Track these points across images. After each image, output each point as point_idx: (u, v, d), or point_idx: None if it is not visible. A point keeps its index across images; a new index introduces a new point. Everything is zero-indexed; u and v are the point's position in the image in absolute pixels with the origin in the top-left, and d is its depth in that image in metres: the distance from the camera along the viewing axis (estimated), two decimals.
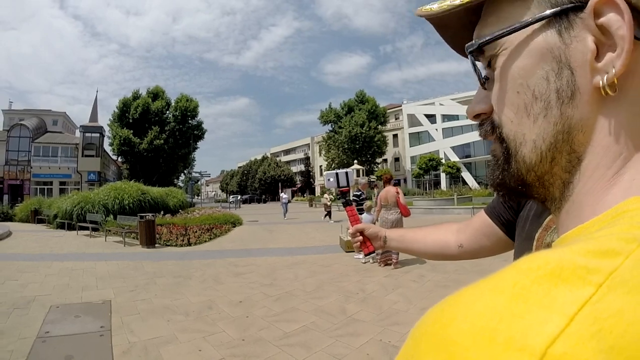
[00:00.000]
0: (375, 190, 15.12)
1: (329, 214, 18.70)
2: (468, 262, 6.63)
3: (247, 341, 3.79)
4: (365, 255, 1.24)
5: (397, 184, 43.42)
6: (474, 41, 0.37)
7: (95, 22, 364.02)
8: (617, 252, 0.20)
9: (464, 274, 6.27)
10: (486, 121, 0.40)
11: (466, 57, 0.40)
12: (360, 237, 1.23)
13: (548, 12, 0.32)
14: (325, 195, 14.89)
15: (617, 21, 0.29)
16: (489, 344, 0.18)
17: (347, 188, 1.36)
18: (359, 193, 8.76)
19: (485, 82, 0.39)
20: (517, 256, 0.95)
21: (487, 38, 0.36)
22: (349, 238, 1.29)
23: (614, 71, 0.29)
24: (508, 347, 0.17)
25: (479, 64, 0.39)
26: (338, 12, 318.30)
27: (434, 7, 0.39)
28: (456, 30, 0.41)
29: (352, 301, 5.10)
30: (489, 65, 0.38)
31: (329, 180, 1.37)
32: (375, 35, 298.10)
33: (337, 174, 1.36)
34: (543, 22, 0.32)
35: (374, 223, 7.72)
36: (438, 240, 1.19)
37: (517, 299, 0.19)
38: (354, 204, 1.35)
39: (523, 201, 1.03)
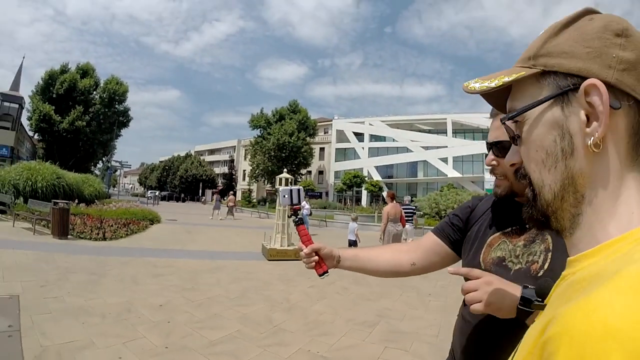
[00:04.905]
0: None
1: None
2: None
3: (170, 349, 3.60)
4: (319, 275, 1.24)
5: (318, 197, 44.05)
6: (506, 114, 0.51)
7: None
8: None
9: (387, 288, 6.54)
10: (520, 169, 0.52)
11: (503, 112, 0.55)
12: (316, 257, 1.24)
13: (555, 93, 0.45)
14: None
15: (598, 100, 0.41)
16: None
17: (298, 206, 1.34)
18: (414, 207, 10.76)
19: (517, 140, 0.52)
20: (468, 266, 1.15)
21: (514, 113, 0.50)
22: (303, 255, 1.25)
23: (597, 134, 0.41)
24: None
25: (511, 125, 0.52)
26: (284, 18, 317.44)
27: (477, 86, 0.53)
28: (495, 97, 0.56)
29: (278, 310, 5.08)
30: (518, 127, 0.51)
31: (284, 197, 1.35)
32: (317, 48, 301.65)
33: (291, 191, 1.34)
34: (551, 100, 0.45)
35: (382, 236, 8.69)
36: (391, 260, 1.31)
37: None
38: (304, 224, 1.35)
39: (471, 223, 1.26)
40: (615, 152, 0.42)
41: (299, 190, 1.35)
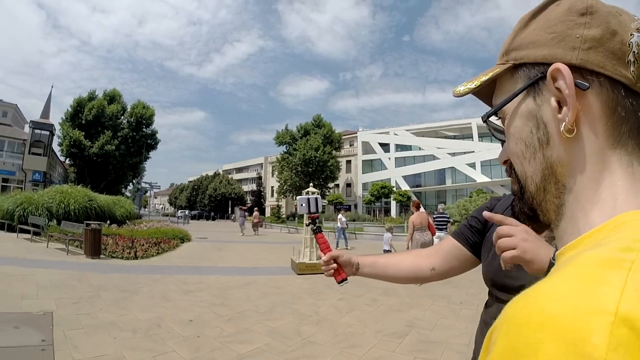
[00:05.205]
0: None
1: None
2: (419, 287, 6.82)
3: None
4: (338, 282, 1.25)
5: (347, 209, 44.01)
6: (486, 112, 0.52)
7: (59, 14, 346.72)
8: (632, 249, 0.29)
9: (416, 298, 6.44)
10: (510, 165, 0.51)
11: None
12: (335, 265, 1.24)
13: (526, 84, 0.45)
14: None
15: (563, 84, 0.40)
16: (582, 314, 0.25)
17: (317, 214, 1.34)
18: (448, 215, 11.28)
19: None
20: (487, 268, 1.19)
21: (490, 111, 0.51)
22: (322, 263, 1.26)
23: (567, 119, 0.40)
24: (594, 312, 0.25)
25: (499, 123, 0.52)
26: (302, 35, 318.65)
27: (461, 89, 0.53)
28: (490, 99, 0.55)
29: (307, 323, 5.08)
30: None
31: (301, 205, 1.34)
32: (336, 62, 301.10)
33: (309, 199, 1.33)
34: (524, 92, 0.45)
35: (408, 245, 8.55)
36: (411, 265, 1.29)
37: (587, 280, 0.28)
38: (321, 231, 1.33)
39: (489, 223, 1.24)
40: (592, 134, 0.41)
41: (316, 198, 1.35)
